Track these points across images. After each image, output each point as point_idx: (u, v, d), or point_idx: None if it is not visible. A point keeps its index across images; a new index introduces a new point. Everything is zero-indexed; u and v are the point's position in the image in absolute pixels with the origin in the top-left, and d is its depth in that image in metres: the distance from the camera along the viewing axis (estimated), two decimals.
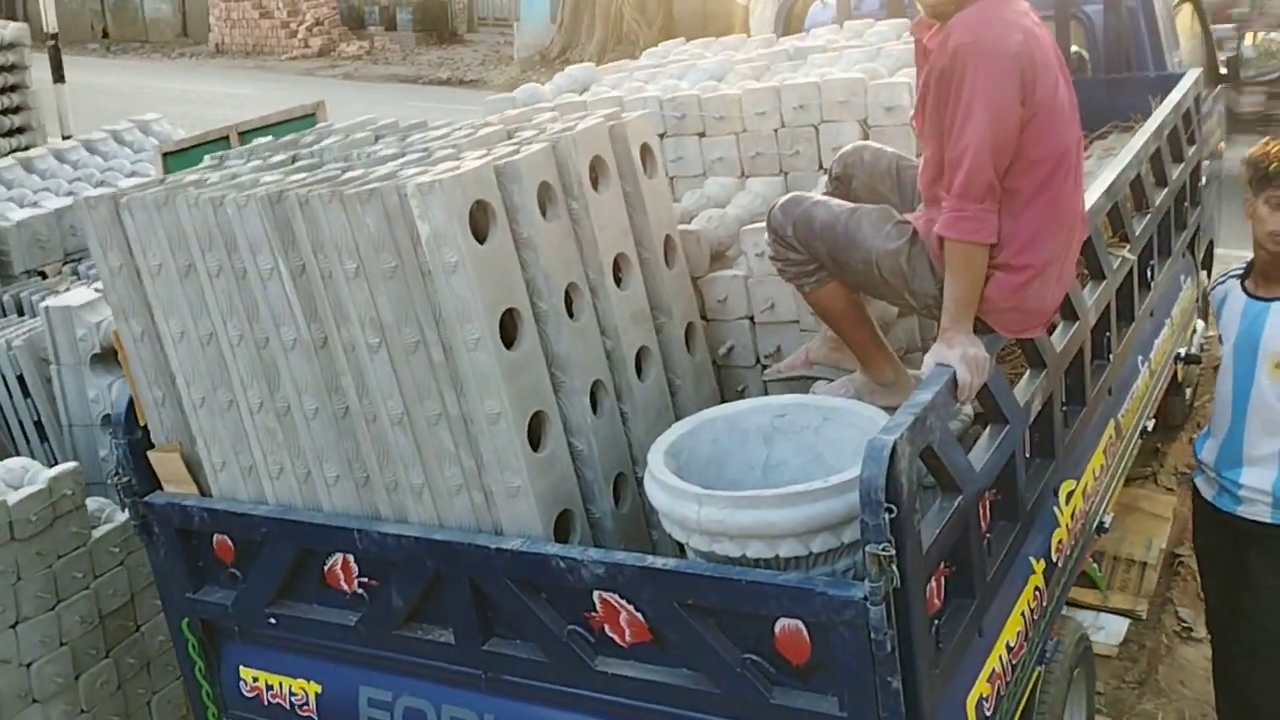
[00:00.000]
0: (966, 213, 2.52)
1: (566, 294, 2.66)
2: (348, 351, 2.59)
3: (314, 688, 2.87)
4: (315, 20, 22.18)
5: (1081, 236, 2.86)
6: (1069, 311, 3.18)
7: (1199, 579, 3.77)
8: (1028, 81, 2.48)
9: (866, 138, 3.49)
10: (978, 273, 2.57)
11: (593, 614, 2.41)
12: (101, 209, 2.80)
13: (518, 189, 2.56)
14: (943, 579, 2.42)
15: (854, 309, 2.93)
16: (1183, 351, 4.64)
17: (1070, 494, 3.10)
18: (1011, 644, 2.65)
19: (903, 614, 2.12)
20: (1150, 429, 4.12)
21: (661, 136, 3.61)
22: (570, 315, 2.67)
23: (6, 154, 6.93)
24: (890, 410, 2.55)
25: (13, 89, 7.98)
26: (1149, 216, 3.98)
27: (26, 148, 7.17)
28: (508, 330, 2.52)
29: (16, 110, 8.00)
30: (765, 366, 3.26)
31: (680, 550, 2.53)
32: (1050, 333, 2.96)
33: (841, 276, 2.85)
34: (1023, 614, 2.73)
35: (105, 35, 24.39)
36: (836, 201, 2.90)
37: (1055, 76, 2.57)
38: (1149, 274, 4.04)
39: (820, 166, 3.57)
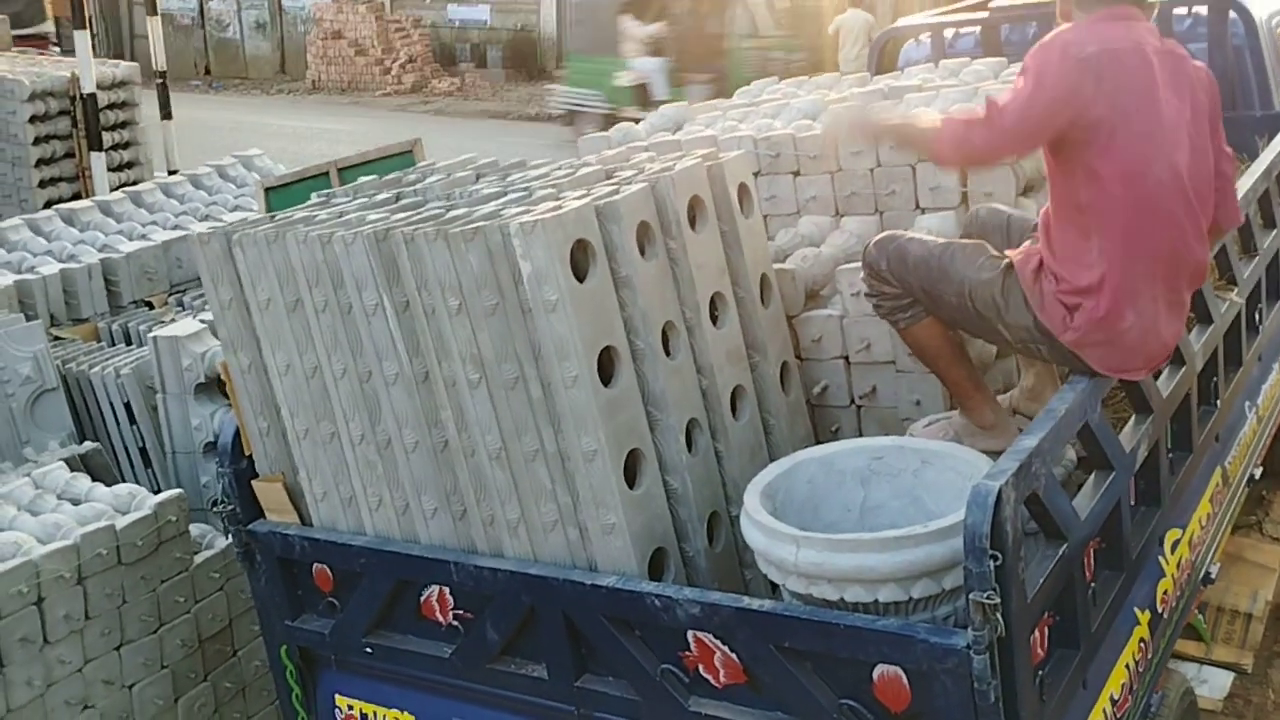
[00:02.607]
0: (978, 121, 2.52)
1: (663, 332, 2.68)
2: (448, 386, 2.63)
3: (408, 718, 2.90)
4: (408, 58, 22.68)
5: (1192, 282, 2.78)
6: (1175, 356, 3.11)
7: None
8: (1088, 91, 2.45)
9: (965, 177, 3.47)
10: (926, 147, 2.71)
11: (687, 653, 2.40)
12: (214, 244, 2.89)
13: (617, 228, 2.58)
14: (1046, 629, 2.37)
15: (950, 346, 2.89)
16: None
17: (1176, 543, 3.02)
18: (1116, 697, 2.58)
19: (1006, 664, 2.07)
20: (1257, 477, 3.99)
21: (756, 175, 3.61)
22: (667, 353, 2.68)
23: (116, 188, 7.21)
24: (989, 454, 2.52)
25: (123, 125, 8.33)
26: (1257, 259, 3.88)
27: (135, 182, 7.46)
28: (605, 368, 2.54)
29: (126, 145, 8.34)
30: (860, 406, 3.23)
31: (775, 591, 2.52)
32: (1156, 378, 2.89)
33: (936, 311, 2.82)
34: (1127, 666, 2.66)
35: (208, 72, 25.22)
36: (931, 237, 2.88)
37: (1144, 100, 2.51)
38: (1257, 318, 3.93)
39: (916, 205, 3.55)
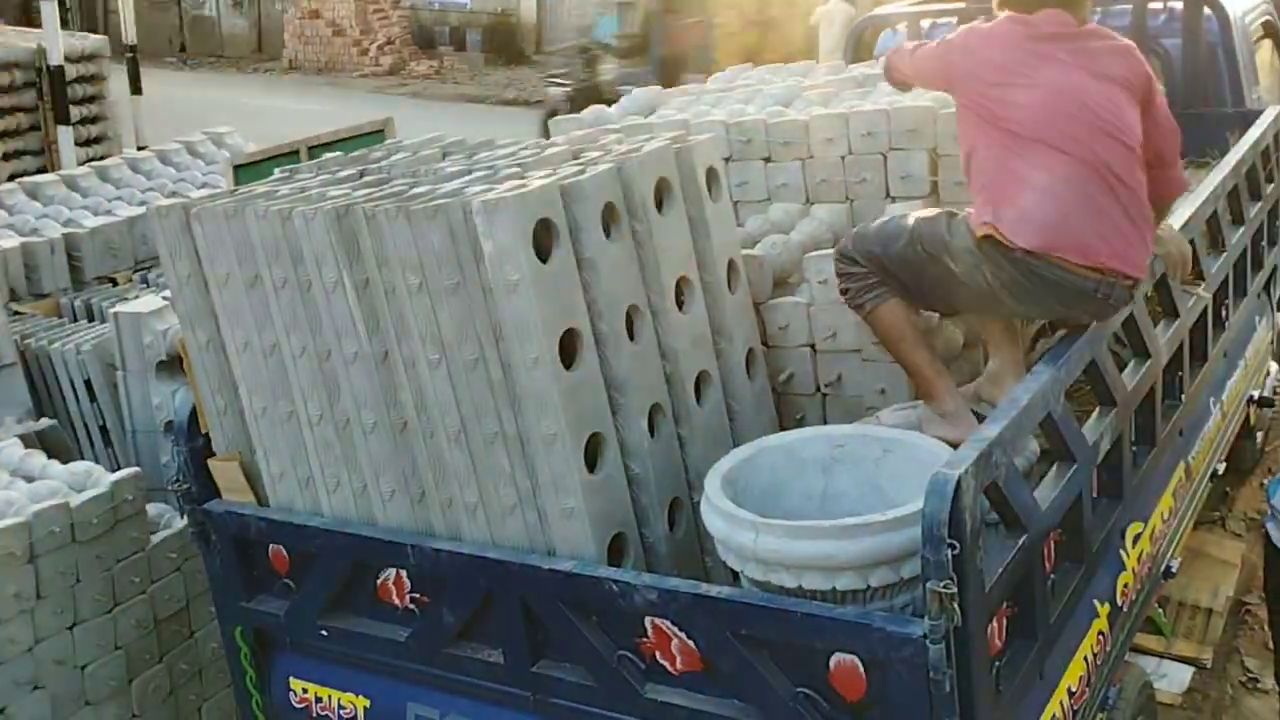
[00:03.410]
0: (905, 52, 3.17)
1: (627, 316, 2.65)
2: (408, 367, 2.60)
3: (362, 702, 2.87)
4: (387, 39, 22.50)
5: (1130, 201, 2.79)
6: (1140, 348, 3.11)
7: (1269, 627, 3.65)
8: (956, 59, 2.92)
9: (935, 167, 3.46)
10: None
11: (644, 640, 2.39)
12: (172, 218, 2.84)
13: (582, 209, 2.55)
14: (1004, 620, 2.36)
15: (912, 331, 2.93)
16: (1256, 394, 4.52)
17: (1137, 536, 3.03)
18: (1073, 689, 2.58)
19: (963, 653, 2.06)
20: (1220, 472, 4.01)
21: (727, 161, 3.59)
22: (630, 337, 2.65)
23: (83, 163, 7.12)
24: (949, 443, 2.52)
25: (91, 99, 8.22)
26: (1225, 255, 3.89)
27: (103, 157, 7.36)
28: (567, 350, 2.51)
29: (94, 120, 8.24)
30: (825, 395, 3.22)
31: (735, 578, 2.50)
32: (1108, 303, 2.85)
33: (897, 272, 2.89)
34: (1085, 659, 2.66)
35: (183, 49, 24.94)
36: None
37: (1022, 60, 2.83)
38: (1223, 314, 3.94)
39: (887, 194, 3.53)
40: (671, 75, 12.43)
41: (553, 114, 14.75)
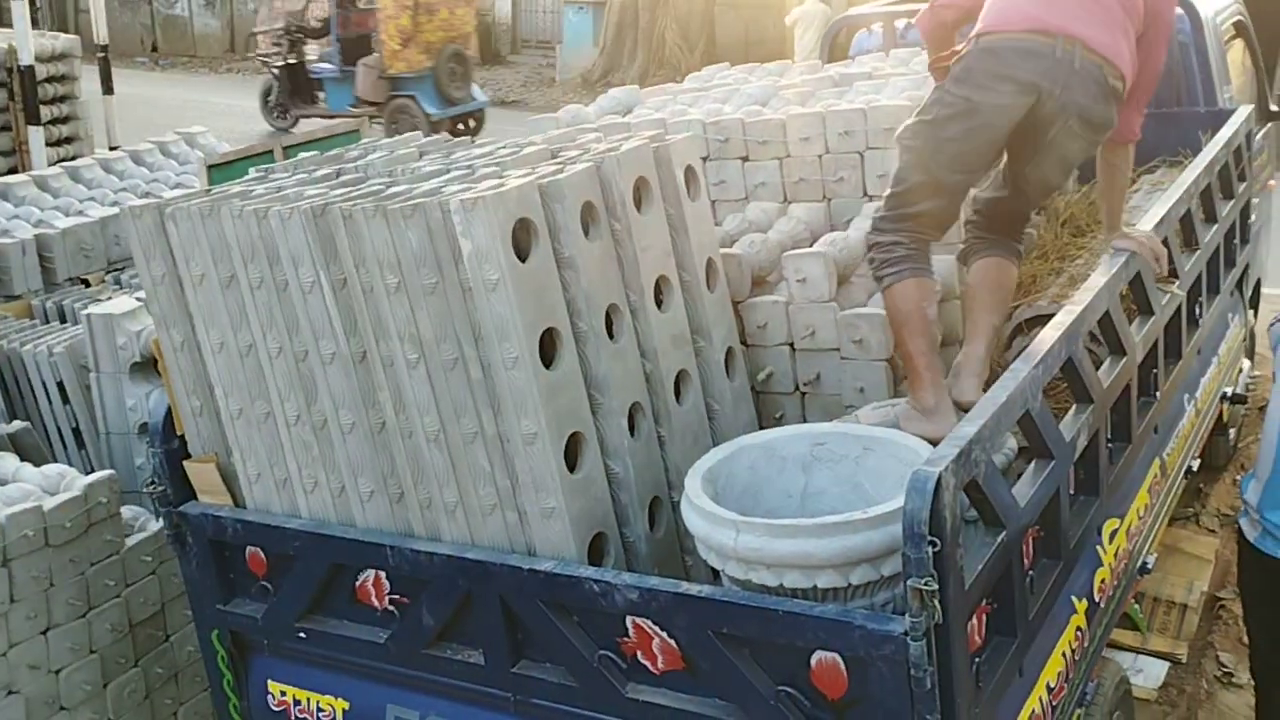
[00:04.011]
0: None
1: (607, 315, 2.64)
2: (386, 367, 2.58)
3: (341, 704, 2.85)
4: None
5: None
6: (1116, 345, 3.13)
7: (1243, 622, 3.68)
8: None
9: None
10: None
11: (625, 639, 2.38)
12: (146, 217, 2.81)
13: (561, 208, 2.55)
14: (984, 616, 2.37)
15: (920, 317, 2.94)
16: (1229, 391, 4.55)
17: (1114, 533, 3.04)
18: (1052, 685, 2.59)
19: (943, 650, 2.07)
20: (1195, 469, 4.04)
21: (704, 160, 3.59)
22: (610, 336, 2.65)
23: (54, 163, 7.05)
24: (927, 440, 2.53)
25: (62, 99, 8.14)
26: (1198, 253, 3.92)
27: (74, 157, 7.29)
28: (547, 350, 2.50)
29: (65, 120, 8.16)
30: (804, 393, 3.22)
31: (715, 577, 2.50)
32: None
33: (929, 163, 2.97)
34: (1064, 654, 2.67)
35: (155, 49, 24.72)
36: None
37: None
38: (1197, 311, 3.97)
39: (865, 193, 3.54)
40: (350, 56, 14.22)
41: (268, 91, 15.65)
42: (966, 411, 2.65)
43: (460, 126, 14.15)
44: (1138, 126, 3.25)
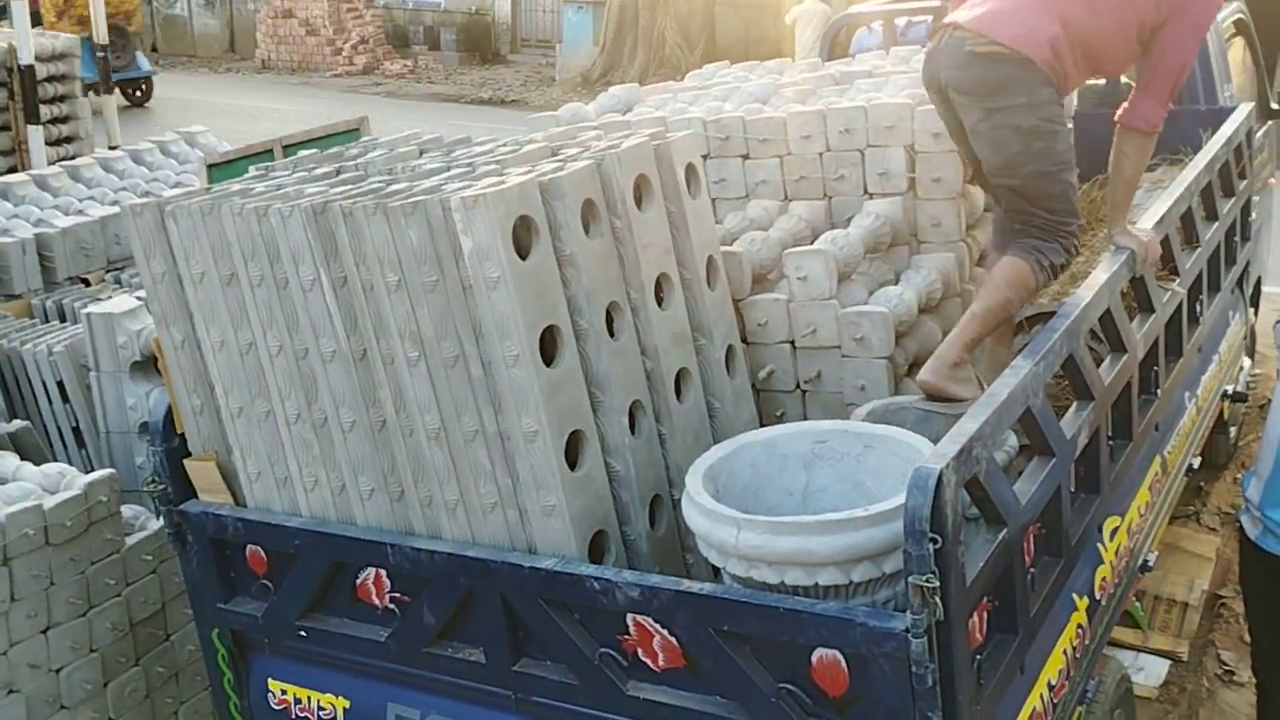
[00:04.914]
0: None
1: (608, 313, 2.64)
2: (386, 365, 2.58)
3: (342, 703, 2.85)
4: (360, 38, 22.39)
5: None
6: (1117, 343, 3.13)
7: (1244, 620, 3.68)
8: None
9: (913, 163, 3.47)
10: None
11: (626, 637, 2.38)
12: (147, 216, 2.81)
13: (561, 205, 2.54)
14: (985, 614, 2.37)
15: (1024, 299, 3.10)
16: (1230, 389, 4.55)
17: (1115, 530, 3.04)
18: (1053, 682, 2.59)
19: (945, 648, 2.07)
20: (1195, 467, 4.04)
21: (705, 158, 3.59)
22: (611, 334, 2.64)
23: (54, 162, 7.05)
24: (951, 398, 2.78)
25: (62, 99, 8.14)
26: (1199, 251, 3.92)
27: (74, 157, 7.29)
28: (547, 348, 2.50)
29: (65, 120, 8.15)
30: (805, 391, 3.22)
31: (716, 575, 2.50)
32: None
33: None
34: (1065, 652, 2.67)
35: (154, 49, 24.73)
36: None
37: None
38: (1198, 309, 3.97)
39: (865, 191, 3.54)
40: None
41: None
42: (926, 394, 2.94)
43: (133, 92, 17.52)
44: (1150, 114, 3.17)
